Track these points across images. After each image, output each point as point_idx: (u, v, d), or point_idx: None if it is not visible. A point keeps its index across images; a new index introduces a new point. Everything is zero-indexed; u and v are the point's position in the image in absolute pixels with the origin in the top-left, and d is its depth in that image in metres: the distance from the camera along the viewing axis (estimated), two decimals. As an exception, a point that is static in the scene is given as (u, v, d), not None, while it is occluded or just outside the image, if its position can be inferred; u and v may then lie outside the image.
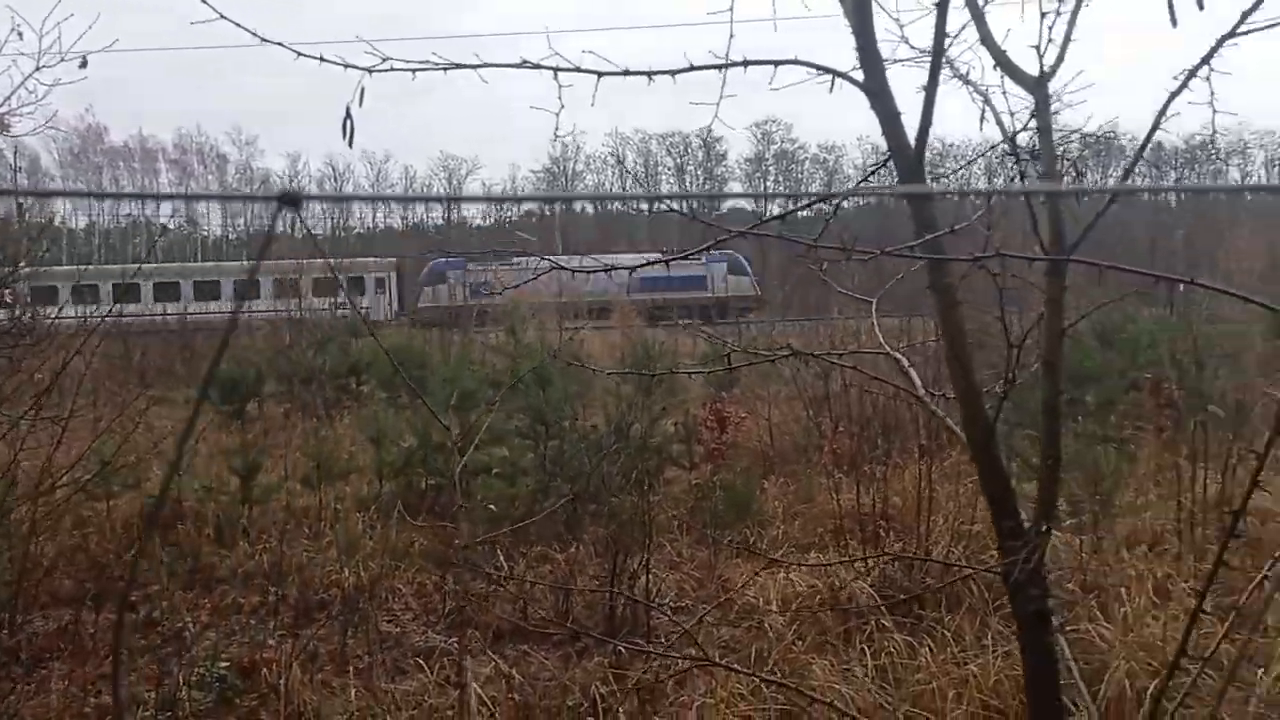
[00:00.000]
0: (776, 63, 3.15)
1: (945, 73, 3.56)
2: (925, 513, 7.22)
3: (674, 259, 3.53)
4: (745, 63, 3.13)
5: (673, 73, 3.21)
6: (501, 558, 7.33)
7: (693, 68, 3.17)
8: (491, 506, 7.28)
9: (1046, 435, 2.98)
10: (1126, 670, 5.34)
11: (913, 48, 3.35)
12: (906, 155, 3.01)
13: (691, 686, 5.42)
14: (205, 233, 69.16)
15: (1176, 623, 5.96)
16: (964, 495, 7.36)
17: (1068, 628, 6.00)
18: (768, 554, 7.19)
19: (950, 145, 45.51)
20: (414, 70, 3.06)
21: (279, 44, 3.21)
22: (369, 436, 9.52)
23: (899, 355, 3.67)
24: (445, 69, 3.03)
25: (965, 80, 3.49)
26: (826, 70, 3.04)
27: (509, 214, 59.94)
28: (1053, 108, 3.36)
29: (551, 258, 3.43)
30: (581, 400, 9.73)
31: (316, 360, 14.53)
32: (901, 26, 3.18)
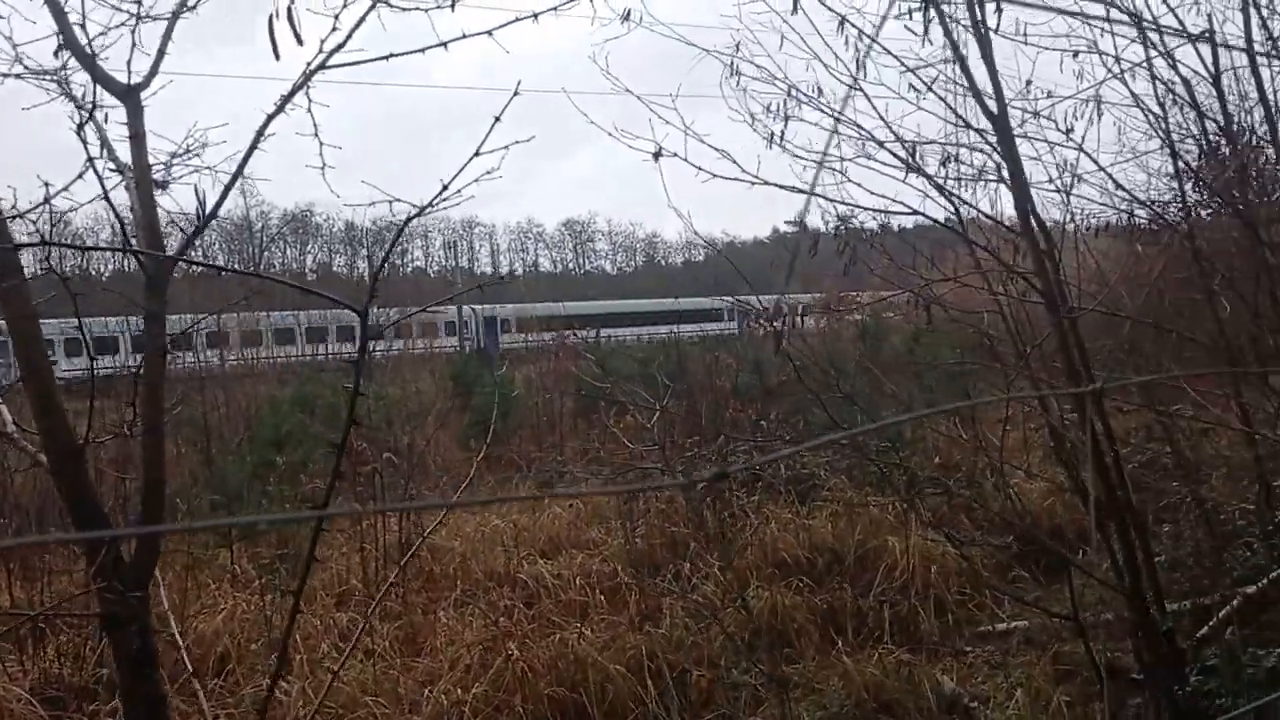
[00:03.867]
0: None
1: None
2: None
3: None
4: None
5: None
6: None
7: None
8: None
9: (146, 455, 2.79)
10: (308, 714, 5.33)
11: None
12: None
13: None
14: None
15: (359, 662, 6.19)
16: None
17: (250, 687, 5.87)
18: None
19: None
20: None
21: None
22: None
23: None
24: None
25: (63, 88, 3.23)
26: None
27: None
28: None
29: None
30: None
31: None
32: None
